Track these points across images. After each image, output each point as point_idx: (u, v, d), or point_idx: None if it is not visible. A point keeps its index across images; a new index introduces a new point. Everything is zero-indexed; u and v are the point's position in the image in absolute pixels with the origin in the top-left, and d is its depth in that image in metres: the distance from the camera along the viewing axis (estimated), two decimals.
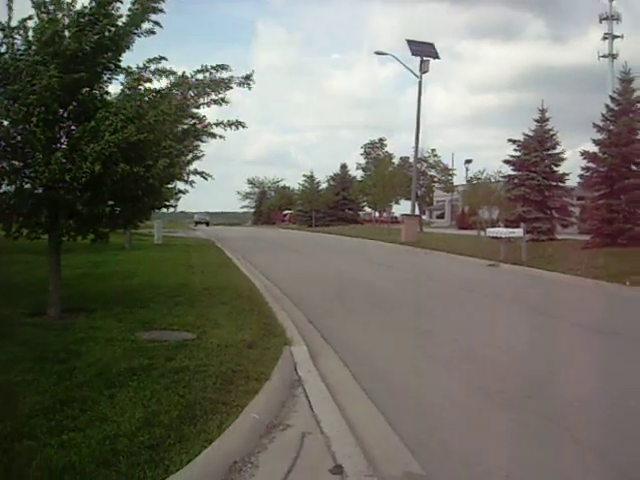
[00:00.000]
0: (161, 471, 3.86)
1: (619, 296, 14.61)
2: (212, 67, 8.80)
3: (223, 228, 58.60)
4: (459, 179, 62.89)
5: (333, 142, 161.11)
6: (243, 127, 9.02)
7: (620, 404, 5.99)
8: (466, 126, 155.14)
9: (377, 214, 66.65)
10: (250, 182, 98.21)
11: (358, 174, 70.27)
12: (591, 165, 26.68)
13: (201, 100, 8.65)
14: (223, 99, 8.69)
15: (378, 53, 34.71)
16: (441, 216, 75.37)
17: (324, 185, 72.80)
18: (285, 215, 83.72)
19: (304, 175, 72.16)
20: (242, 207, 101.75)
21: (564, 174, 31.44)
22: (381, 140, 70.19)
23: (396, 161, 57.89)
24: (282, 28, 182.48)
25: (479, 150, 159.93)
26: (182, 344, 7.17)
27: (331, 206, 69.04)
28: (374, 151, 68.40)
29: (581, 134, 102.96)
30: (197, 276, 14.26)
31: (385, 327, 9.93)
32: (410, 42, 32.85)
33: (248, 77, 8.73)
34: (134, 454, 4.05)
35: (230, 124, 8.96)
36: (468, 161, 64.51)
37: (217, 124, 8.99)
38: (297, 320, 9.82)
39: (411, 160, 52.51)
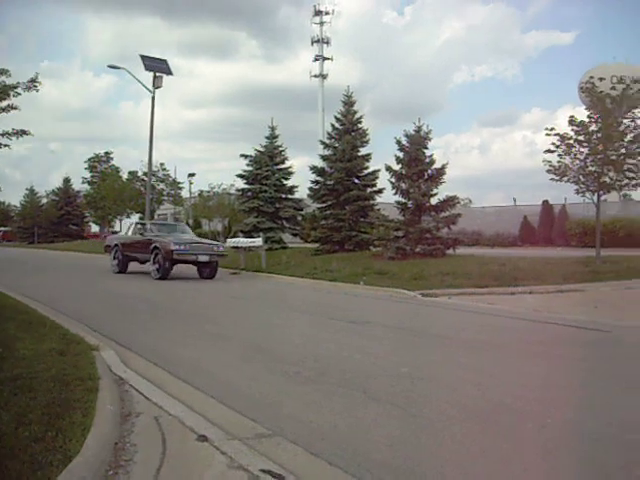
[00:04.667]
0: (61, 456, 4.26)
1: (357, 294, 16.90)
2: None
3: None
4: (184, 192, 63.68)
5: (44, 155, 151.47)
6: (28, 135, 9.02)
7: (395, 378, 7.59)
8: (178, 139, 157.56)
9: (105, 229, 64.95)
10: None
11: (83, 188, 67.57)
12: (319, 179, 29.65)
13: None
14: (11, 106, 8.64)
15: (111, 67, 34.13)
16: None
17: (45, 200, 69.06)
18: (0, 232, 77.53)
19: (26, 189, 68.09)
20: None
21: (293, 186, 34.30)
22: (107, 154, 68.35)
23: (124, 175, 57.10)
24: None
25: (193, 163, 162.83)
26: None
27: (54, 222, 65.66)
28: (100, 165, 66.47)
29: (294, 149, 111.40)
30: None
31: (168, 329, 10.60)
32: (144, 57, 33.03)
33: (34, 80, 8.72)
34: (28, 447, 4.37)
35: (15, 133, 8.90)
36: (191, 174, 65.28)
37: (3, 134, 8.86)
38: (85, 329, 10.03)
39: (140, 174, 52.39)
